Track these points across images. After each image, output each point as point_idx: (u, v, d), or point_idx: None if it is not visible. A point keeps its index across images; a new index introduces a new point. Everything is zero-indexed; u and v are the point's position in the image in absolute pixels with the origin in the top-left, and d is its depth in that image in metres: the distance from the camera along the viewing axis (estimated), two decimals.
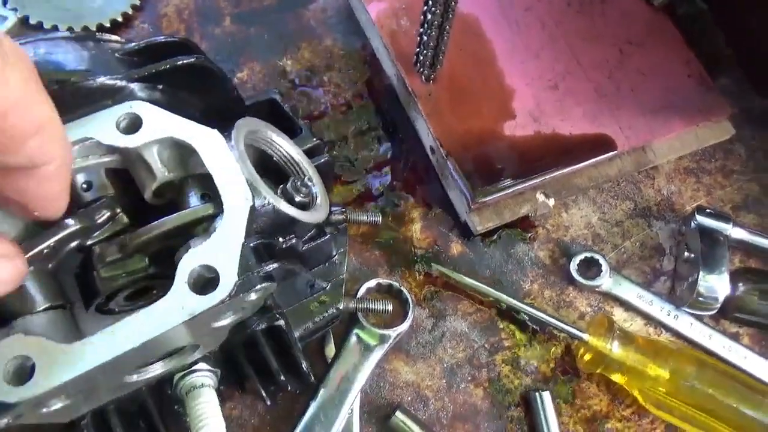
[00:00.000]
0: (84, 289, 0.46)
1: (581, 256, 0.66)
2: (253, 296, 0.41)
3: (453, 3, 0.56)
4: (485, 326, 0.64)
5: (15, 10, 0.71)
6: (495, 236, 0.69)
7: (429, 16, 0.57)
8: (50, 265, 0.43)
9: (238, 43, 0.75)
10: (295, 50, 0.75)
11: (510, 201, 0.66)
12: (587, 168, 0.67)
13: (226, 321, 0.44)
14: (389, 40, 0.70)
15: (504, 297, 0.63)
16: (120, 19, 0.74)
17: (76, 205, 0.47)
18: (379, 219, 0.65)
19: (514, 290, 0.66)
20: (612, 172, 0.68)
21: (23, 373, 0.37)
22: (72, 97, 0.42)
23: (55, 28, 0.71)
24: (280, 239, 0.46)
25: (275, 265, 0.42)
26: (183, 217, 0.43)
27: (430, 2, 0.55)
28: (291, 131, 0.57)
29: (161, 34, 0.73)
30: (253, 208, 0.42)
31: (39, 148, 0.33)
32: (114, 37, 0.47)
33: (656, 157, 0.69)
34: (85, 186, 0.47)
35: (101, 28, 0.73)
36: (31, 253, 0.40)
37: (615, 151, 0.66)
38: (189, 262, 0.40)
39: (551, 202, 0.66)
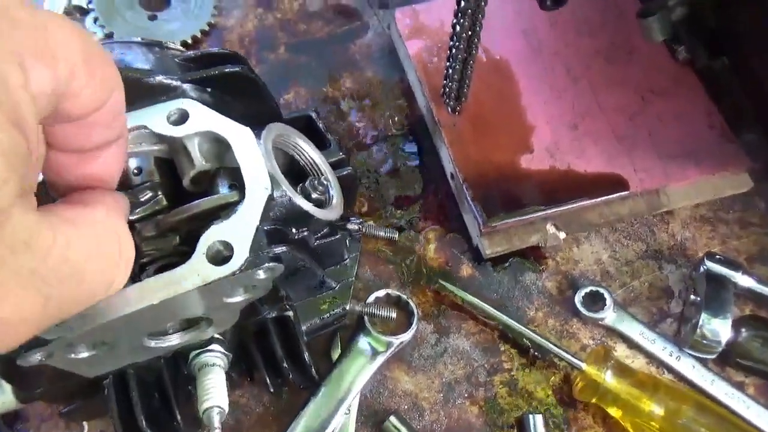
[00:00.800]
0: None
1: (587, 289, 0.68)
2: (261, 274, 0.46)
3: (476, 39, 0.61)
4: (487, 347, 0.67)
5: (102, 27, 0.82)
6: (506, 263, 0.72)
7: (454, 51, 0.63)
8: None
9: (289, 69, 0.83)
10: (337, 79, 0.82)
11: (521, 229, 0.69)
12: (599, 205, 0.70)
13: (237, 298, 0.49)
14: (422, 73, 0.76)
15: (508, 320, 0.66)
16: (189, 41, 0.83)
17: (127, 187, 0.54)
18: (396, 236, 0.69)
19: (519, 316, 0.69)
20: (624, 211, 0.70)
21: None
22: (134, 91, 0.49)
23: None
24: (293, 230, 0.51)
25: (284, 248, 0.47)
26: (211, 201, 0.49)
27: (455, 38, 0.61)
28: (321, 144, 0.64)
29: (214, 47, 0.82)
30: (270, 197, 0.48)
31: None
32: (178, 46, 0.55)
33: (670, 201, 0.71)
34: (136, 171, 0.55)
35: None
36: None
37: (627, 191, 0.69)
38: (209, 237, 0.46)
39: (561, 234, 0.69)
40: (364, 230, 0.65)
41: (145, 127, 0.50)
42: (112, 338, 0.46)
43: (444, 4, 0.81)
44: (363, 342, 0.65)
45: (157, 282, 0.44)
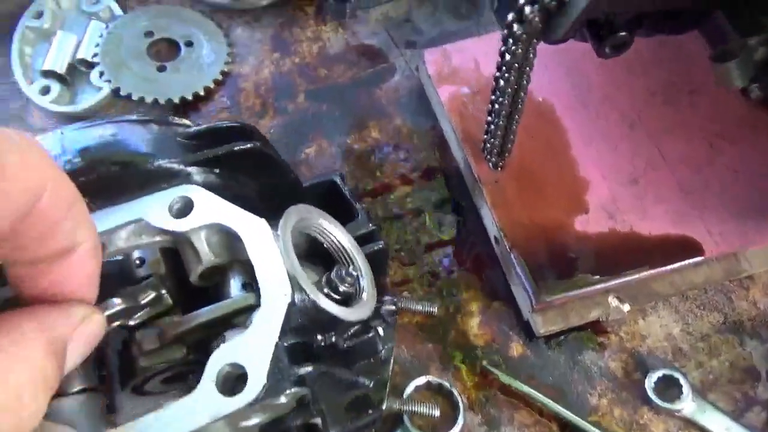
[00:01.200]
0: (123, 367, 0.46)
1: (659, 373, 0.58)
2: (282, 400, 0.39)
3: (522, 94, 0.53)
4: None
5: (109, 81, 0.76)
6: (561, 338, 0.63)
7: (497, 106, 0.55)
8: None
9: (309, 119, 0.76)
10: (364, 128, 0.75)
11: (578, 303, 0.60)
12: (669, 273, 0.60)
13: (255, 421, 0.41)
14: (458, 123, 0.68)
15: (568, 414, 0.57)
16: (202, 92, 0.77)
17: (128, 280, 0.47)
18: (435, 310, 0.61)
19: (580, 404, 0.59)
20: (698, 279, 0.61)
21: None
22: (132, 179, 0.43)
23: (141, 100, 0.75)
24: (319, 337, 0.44)
25: (309, 369, 0.40)
26: (221, 308, 0.41)
27: (498, 92, 0.53)
28: (348, 215, 0.56)
29: (243, 112, 0.76)
30: (291, 304, 0.40)
31: (72, 229, 0.32)
32: (179, 120, 0.48)
33: (751, 266, 0.62)
34: (138, 262, 0.48)
35: (184, 101, 0.76)
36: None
37: (702, 257, 0.60)
38: (218, 359, 0.38)
39: (626, 307, 0.60)
40: (400, 307, 0.57)
41: (143, 220, 0.43)
42: None
43: (478, 44, 0.73)
44: None
45: (161, 420, 0.37)
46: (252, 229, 0.42)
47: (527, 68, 0.50)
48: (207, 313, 0.41)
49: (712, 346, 0.61)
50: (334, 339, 0.44)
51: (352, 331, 0.47)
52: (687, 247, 0.60)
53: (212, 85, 0.78)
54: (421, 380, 0.59)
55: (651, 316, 0.63)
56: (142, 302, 0.44)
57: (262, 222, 0.42)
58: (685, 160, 0.65)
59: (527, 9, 0.43)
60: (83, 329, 0.35)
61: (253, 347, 0.38)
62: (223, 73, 0.79)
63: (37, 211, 0.29)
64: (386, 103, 0.77)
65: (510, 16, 0.45)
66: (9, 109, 0.79)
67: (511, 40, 0.46)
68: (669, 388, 0.58)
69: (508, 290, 0.64)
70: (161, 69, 0.78)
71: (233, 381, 0.38)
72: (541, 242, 0.61)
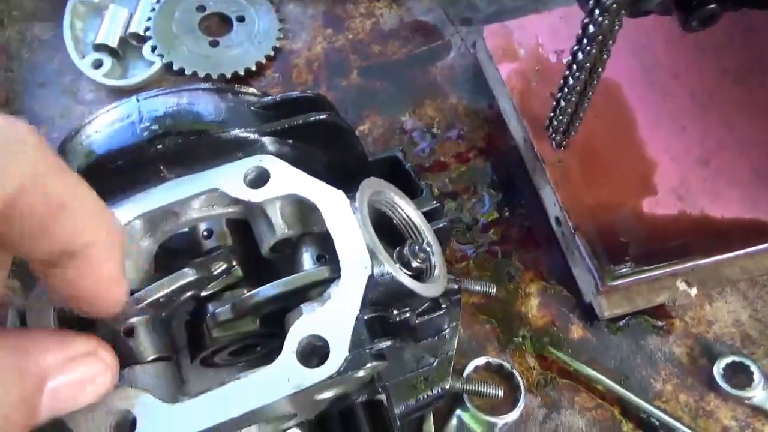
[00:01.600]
0: (192, 339, 0.46)
1: (728, 359, 0.57)
2: (361, 373, 0.38)
3: (600, 69, 0.51)
4: (606, 425, 0.57)
5: (161, 56, 0.75)
6: (623, 322, 0.61)
7: (571, 81, 0.53)
8: (164, 314, 0.43)
9: (363, 96, 0.75)
10: (418, 106, 0.73)
11: (644, 287, 0.58)
12: (741, 258, 0.58)
13: (329, 394, 0.41)
14: (519, 100, 0.66)
15: (631, 396, 0.56)
16: (254, 68, 0.76)
17: (196, 253, 0.46)
18: (494, 290, 0.60)
19: (643, 389, 0.58)
20: None
21: (125, 427, 0.36)
22: (207, 148, 0.42)
23: (194, 74, 0.75)
24: (395, 312, 0.43)
25: (388, 343, 0.39)
26: (296, 280, 0.41)
27: (575, 66, 0.51)
28: (411, 191, 0.55)
29: (294, 88, 0.75)
30: (371, 277, 0.39)
31: (71, 229, 0.28)
32: (251, 90, 0.47)
33: None
34: (205, 233, 0.47)
35: (236, 75, 0.75)
36: (147, 302, 0.40)
37: None
38: (299, 331, 0.37)
39: (693, 291, 0.58)
40: (461, 287, 0.56)
41: (219, 190, 0.42)
42: None
43: (539, 20, 0.71)
44: (460, 420, 0.56)
45: (240, 389, 0.36)
46: (330, 201, 0.41)
47: (610, 41, 0.48)
48: (282, 284, 0.41)
49: None
50: (408, 314, 0.44)
51: (423, 307, 0.46)
52: (760, 231, 0.58)
53: (264, 61, 0.77)
54: (480, 360, 0.58)
55: (718, 301, 0.61)
56: (215, 272, 0.44)
57: (340, 194, 0.41)
58: (757, 142, 0.62)
59: None
60: (81, 368, 0.31)
61: (333, 319, 0.37)
62: (275, 48, 0.78)
63: (14, 211, 0.25)
64: (441, 81, 0.75)
65: None
66: (61, 82, 0.79)
67: (597, 11, 0.44)
68: (737, 374, 0.57)
69: (567, 272, 0.63)
70: (213, 44, 0.77)
71: (313, 354, 0.37)
72: (606, 224, 0.59)
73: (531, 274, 0.64)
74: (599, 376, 0.57)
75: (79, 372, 0.31)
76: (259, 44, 0.78)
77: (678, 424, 0.54)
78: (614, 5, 0.44)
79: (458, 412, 0.56)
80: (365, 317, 0.39)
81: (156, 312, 0.42)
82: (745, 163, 0.61)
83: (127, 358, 0.40)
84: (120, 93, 0.77)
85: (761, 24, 0.67)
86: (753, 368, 0.56)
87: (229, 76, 0.75)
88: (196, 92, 0.43)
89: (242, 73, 0.76)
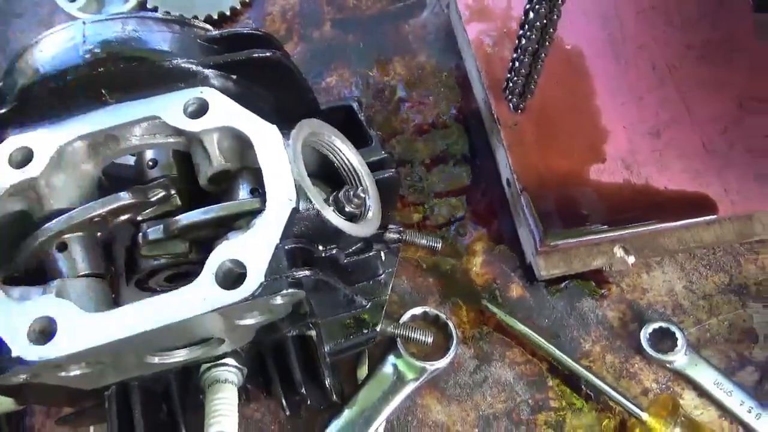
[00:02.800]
0: (129, 262, 0.48)
1: (656, 325, 0.59)
2: (278, 300, 0.40)
3: (551, 30, 0.52)
4: (533, 380, 0.59)
5: None
6: (562, 285, 0.63)
7: (524, 41, 0.54)
8: (99, 234, 0.44)
9: (333, 48, 0.75)
10: (387, 62, 0.74)
11: (583, 250, 0.60)
12: (679, 229, 0.60)
13: (251, 321, 0.43)
14: (483, 62, 0.67)
15: (559, 354, 0.58)
16: (228, 12, 0.76)
17: (140, 182, 0.48)
18: (439, 245, 0.62)
19: (572, 348, 0.60)
20: (708, 238, 0.60)
21: (47, 334, 0.38)
22: (148, 76, 0.43)
23: (166, 14, 0.75)
24: (320, 247, 0.44)
25: (307, 273, 0.41)
26: (226, 208, 0.42)
27: (526, 26, 0.52)
28: (362, 141, 0.56)
29: (282, 39, 0.75)
30: (295, 210, 0.41)
31: None
32: (203, 24, 0.48)
33: (765, 230, 0.61)
34: (150, 163, 0.49)
35: (209, 19, 0.76)
36: (79, 220, 0.42)
37: (715, 215, 0.59)
38: (219, 255, 0.39)
39: (631, 259, 0.60)
40: (404, 238, 0.57)
41: (159, 118, 0.44)
42: (108, 358, 0.41)
43: None
44: (393, 364, 0.58)
45: (157, 304, 0.38)
46: (263, 135, 0.42)
47: (560, 1, 0.48)
48: (213, 210, 0.42)
49: (713, 306, 0.61)
50: (335, 252, 0.45)
51: (353, 248, 0.48)
52: (701, 205, 0.59)
53: (239, 6, 0.77)
54: (417, 310, 0.60)
55: (655, 271, 0.63)
56: (152, 199, 0.45)
57: (274, 128, 0.43)
58: (712, 119, 0.63)
59: None
60: None
61: (253, 246, 0.39)
62: None
63: None
64: (413, 39, 0.76)
65: None
66: (38, 14, 0.80)
67: None
68: (663, 340, 0.59)
69: (515, 235, 0.65)
70: None
71: (231, 277, 0.39)
72: (552, 188, 0.61)
73: (479, 233, 0.66)
74: (531, 333, 0.59)
75: None
76: None
77: (601, 383, 0.56)
78: None
79: (391, 357, 0.58)
80: (286, 247, 0.40)
81: (90, 229, 0.43)
82: (696, 138, 0.62)
83: (57, 272, 0.42)
84: None
85: (735, 3, 0.67)
86: (678, 335, 0.58)
87: (202, 18, 0.75)
88: (143, 20, 0.44)
89: (215, 16, 0.76)
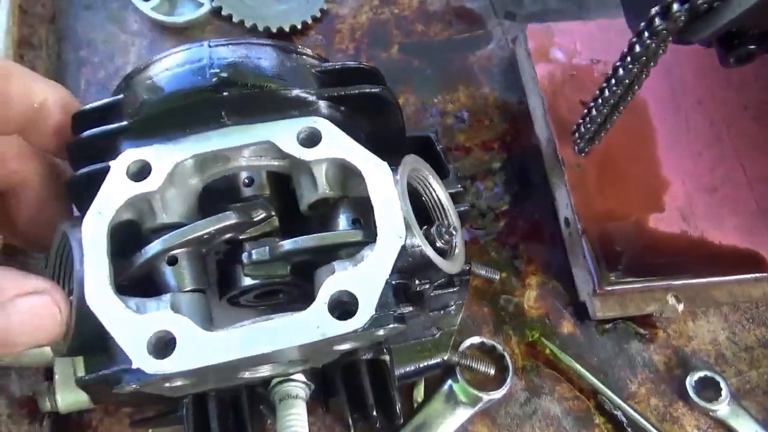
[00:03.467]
0: (222, 277, 0.49)
1: (702, 373, 0.61)
2: (381, 332, 0.42)
3: (636, 87, 0.54)
4: (580, 416, 0.61)
5: (211, 0, 0.77)
6: (610, 325, 0.65)
7: (606, 93, 0.56)
8: (204, 250, 0.46)
9: (400, 72, 0.77)
10: (453, 91, 0.76)
11: (637, 295, 0.63)
12: (730, 283, 0.63)
13: (347, 346, 0.45)
14: (550, 102, 0.69)
15: (606, 391, 0.60)
16: (299, 26, 0.78)
17: (233, 198, 0.49)
18: (497, 277, 0.64)
19: (619, 387, 0.63)
20: (756, 294, 0.63)
21: (164, 347, 0.39)
22: (267, 102, 0.45)
23: (240, 23, 0.77)
24: (417, 282, 0.46)
25: (410, 309, 0.43)
26: (335, 237, 0.44)
27: (613, 81, 0.54)
28: (439, 172, 0.58)
29: (336, 53, 0.77)
30: (402, 247, 0.42)
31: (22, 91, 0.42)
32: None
33: None
34: (246, 181, 0.50)
35: (281, 31, 0.77)
36: (192, 236, 0.43)
37: (765, 273, 0.62)
38: (332, 285, 0.41)
39: (681, 307, 0.62)
40: (470, 270, 0.59)
41: (271, 143, 0.45)
42: (212, 374, 0.42)
43: (582, 28, 0.74)
44: (450, 390, 0.60)
45: (273, 328, 0.40)
46: (375, 170, 0.44)
47: (652, 63, 0.51)
48: (320, 238, 0.44)
49: (754, 358, 0.64)
50: (427, 286, 0.47)
51: (439, 282, 0.50)
52: (753, 262, 0.62)
53: (309, 21, 0.79)
54: (475, 339, 0.62)
55: (701, 320, 0.66)
56: (255, 218, 0.47)
57: (385, 165, 0.44)
58: (764, 179, 0.66)
59: (675, 6, 0.44)
60: (26, 304, 0.37)
61: (365, 279, 0.41)
62: (321, 10, 0.79)
63: None
64: (477, 70, 0.78)
65: (654, 10, 0.46)
66: (108, 8, 0.80)
67: (646, 33, 0.47)
68: (706, 388, 0.61)
69: (566, 270, 0.67)
70: None
71: (342, 307, 0.41)
72: (612, 232, 0.63)
73: (533, 267, 0.68)
74: (581, 369, 0.61)
75: (27, 303, 0.37)
76: (307, 4, 0.79)
77: (646, 423, 0.59)
78: (663, 31, 0.47)
79: (449, 382, 0.60)
80: (393, 282, 0.42)
81: (198, 247, 0.45)
82: (749, 197, 0.65)
83: (167, 285, 0.43)
84: (164, 29, 0.78)
85: None
86: (722, 384, 0.60)
87: (274, 30, 0.77)
88: (263, 47, 0.46)
89: (287, 29, 0.77)
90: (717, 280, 0.62)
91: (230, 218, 0.45)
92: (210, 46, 0.44)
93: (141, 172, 0.43)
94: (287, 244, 0.44)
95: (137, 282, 0.44)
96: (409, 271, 0.45)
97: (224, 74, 0.43)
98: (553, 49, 0.72)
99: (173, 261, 0.43)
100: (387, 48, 0.78)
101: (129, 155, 0.44)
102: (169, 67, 0.44)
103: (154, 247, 0.42)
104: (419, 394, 0.61)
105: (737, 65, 0.51)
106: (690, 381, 0.61)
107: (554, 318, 0.66)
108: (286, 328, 0.40)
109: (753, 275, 0.62)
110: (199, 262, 0.45)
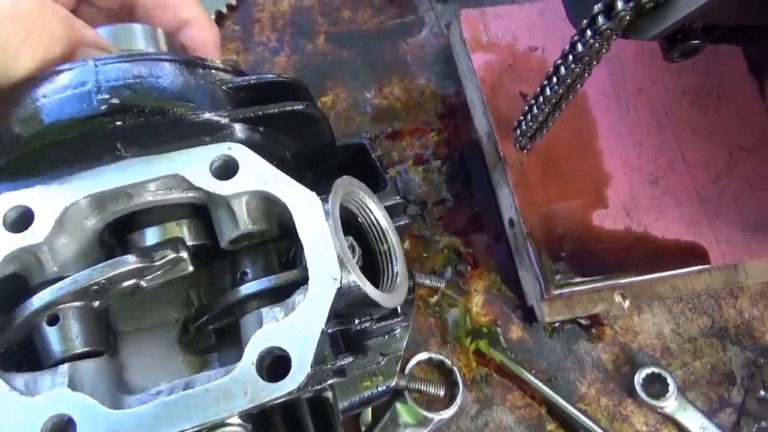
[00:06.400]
0: None
1: (649, 370, 0.61)
2: (318, 388, 0.37)
3: (579, 86, 0.51)
4: (532, 424, 0.60)
5: None
6: (558, 325, 0.64)
7: (548, 92, 0.52)
8: (96, 304, 0.39)
9: (328, 64, 0.71)
10: (386, 83, 0.71)
11: (584, 297, 0.61)
12: (674, 277, 0.62)
13: (280, 400, 0.40)
14: (489, 96, 0.65)
15: (558, 399, 0.59)
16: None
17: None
18: (443, 285, 0.61)
19: (569, 390, 0.61)
20: (699, 286, 0.63)
21: (60, 429, 0.33)
22: (171, 128, 0.38)
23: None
24: (356, 321, 0.42)
25: (350, 359, 0.38)
26: (270, 282, 0.39)
27: (555, 79, 0.51)
28: (375, 183, 0.53)
29: (255, 45, 0.70)
30: (339, 288, 0.38)
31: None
32: (221, 65, 0.42)
33: (747, 278, 0.64)
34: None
35: None
36: (74, 289, 0.36)
37: (707, 265, 0.61)
38: (261, 340, 0.36)
39: (627, 304, 0.62)
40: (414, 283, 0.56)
41: (179, 176, 0.39)
42: None
43: (518, 13, 0.70)
44: (398, 412, 0.57)
45: (191, 400, 0.35)
46: (302, 202, 0.39)
47: (595, 62, 0.47)
48: (253, 285, 0.39)
49: (698, 348, 0.64)
50: (368, 324, 0.43)
51: (381, 314, 0.46)
52: (695, 254, 0.61)
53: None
54: (423, 356, 0.59)
55: (646, 313, 0.65)
56: (158, 262, 0.40)
57: (313, 195, 0.39)
58: (704, 166, 0.65)
59: (620, 4, 0.40)
60: None
61: (298, 332, 0.36)
62: None
63: None
64: (411, 60, 0.73)
65: (597, 7, 0.42)
66: None
67: (589, 32, 0.43)
68: (654, 384, 0.61)
69: (513, 273, 0.65)
70: None
71: (273, 366, 0.36)
72: (556, 233, 0.61)
73: (479, 270, 0.65)
74: (531, 377, 0.60)
75: None
76: None
77: (596, 428, 0.58)
78: (607, 30, 0.43)
79: (397, 404, 0.57)
80: (329, 330, 0.38)
81: (88, 301, 0.38)
82: (690, 186, 0.64)
83: (51, 350, 0.37)
84: None
85: (725, 51, 0.69)
86: (669, 381, 0.60)
87: None
88: (163, 63, 0.39)
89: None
90: (662, 275, 0.61)
91: (124, 264, 0.38)
92: (96, 66, 0.37)
93: (21, 220, 0.36)
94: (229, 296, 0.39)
95: (27, 350, 0.38)
96: (348, 312, 0.40)
97: (115, 100, 0.36)
98: (489, 36, 0.68)
99: (53, 320, 0.37)
100: (312, 38, 0.72)
101: (4, 201, 0.36)
102: (47, 93, 0.37)
103: (30, 305, 0.36)
104: (367, 416, 0.57)
105: (681, 59, 0.49)
106: (638, 379, 0.61)
107: (503, 323, 0.63)
108: (209, 398, 0.35)
109: (695, 268, 0.61)
110: (94, 318, 0.39)
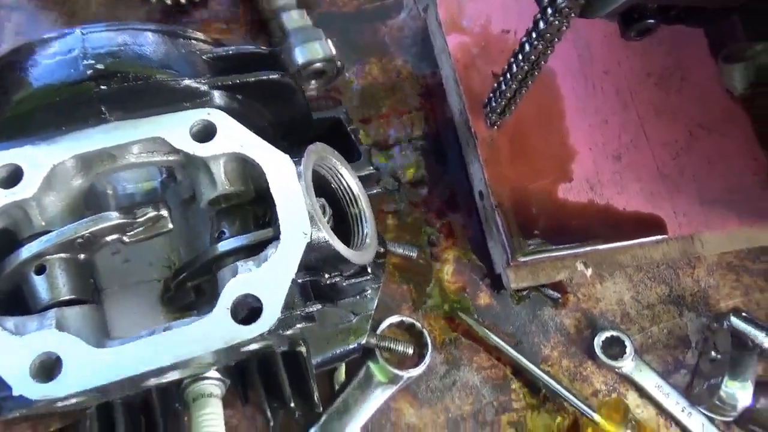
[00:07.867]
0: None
1: (608, 333, 0.64)
2: (290, 332, 0.41)
3: (543, 62, 0.54)
4: (498, 383, 0.64)
5: None
6: (525, 293, 0.68)
7: (514, 69, 0.56)
8: (82, 256, 0.42)
9: None
10: (364, 63, 0.73)
11: (548, 264, 0.64)
12: (633, 247, 0.65)
13: (255, 346, 0.43)
14: (462, 75, 0.68)
15: (522, 360, 0.63)
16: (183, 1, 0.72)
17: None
18: (415, 254, 0.64)
19: (534, 353, 0.65)
20: (657, 255, 0.67)
21: (51, 371, 0.36)
22: (154, 94, 0.41)
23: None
24: (326, 275, 0.45)
25: (318, 306, 0.42)
26: (247, 239, 0.42)
27: (520, 57, 0.54)
28: (349, 154, 0.56)
29: (239, 26, 0.72)
30: (309, 243, 0.41)
31: None
32: (202, 36, 0.45)
33: (703, 248, 0.68)
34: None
35: (175, 2, 0.71)
36: (61, 240, 0.39)
37: (665, 236, 0.65)
38: (235, 288, 0.39)
39: (589, 272, 0.65)
40: (386, 250, 0.59)
41: (162, 139, 0.42)
42: (108, 390, 0.40)
43: None
44: (370, 371, 0.60)
45: (169, 339, 0.38)
46: (275, 165, 0.42)
47: (556, 39, 0.50)
48: (230, 242, 0.42)
49: (656, 315, 0.68)
50: (337, 279, 0.46)
51: (351, 271, 0.49)
52: (653, 225, 0.65)
53: None
54: (394, 318, 0.63)
55: (607, 281, 0.69)
56: (139, 219, 0.43)
57: (286, 158, 0.42)
58: (665, 144, 0.69)
59: None
60: None
61: (270, 281, 0.39)
62: None
63: None
64: (389, 41, 0.75)
65: None
66: None
67: (550, 10, 0.46)
68: (612, 347, 0.65)
69: (483, 243, 0.68)
70: None
71: (246, 312, 0.39)
72: (524, 205, 0.64)
73: (450, 241, 0.68)
74: (497, 340, 0.63)
75: None
76: None
77: (558, 386, 0.62)
78: (566, 8, 0.46)
79: (368, 363, 0.60)
80: (299, 281, 0.41)
81: (73, 253, 0.41)
82: (651, 162, 0.68)
83: (39, 297, 0.40)
84: (45, 1, 0.71)
85: (687, 34, 0.72)
86: (627, 343, 0.64)
87: (169, 1, 0.71)
88: (146, 33, 0.42)
89: (183, 0, 0.72)
90: (622, 245, 0.64)
91: (109, 219, 0.41)
92: (83, 34, 0.40)
93: (11, 177, 0.39)
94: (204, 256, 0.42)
95: (16, 298, 0.41)
96: (318, 266, 0.44)
97: (100, 65, 0.39)
98: (464, 19, 0.71)
99: (41, 270, 0.40)
100: None
101: None
102: (37, 58, 0.39)
103: (18, 255, 0.39)
104: (340, 375, 0.61)
105: (638, 38, 0.52)
106: (597, 342, 0.64)
107: (471, 291, 0.67)
108: (186, 338, 0.38)
109: (654, 238, 0.65)
110: (79, 270, 0.42)
